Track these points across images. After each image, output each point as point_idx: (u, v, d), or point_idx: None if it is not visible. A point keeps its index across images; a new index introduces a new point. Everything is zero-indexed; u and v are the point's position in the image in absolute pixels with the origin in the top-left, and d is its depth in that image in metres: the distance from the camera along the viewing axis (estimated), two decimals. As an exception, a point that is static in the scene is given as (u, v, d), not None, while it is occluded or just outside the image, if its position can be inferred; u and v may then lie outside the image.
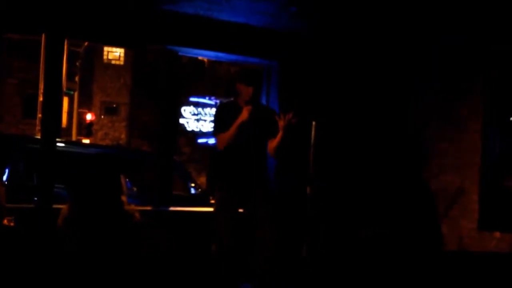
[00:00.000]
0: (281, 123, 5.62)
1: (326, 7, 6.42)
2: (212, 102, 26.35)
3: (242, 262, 5.89)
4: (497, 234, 7.39)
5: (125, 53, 29.37)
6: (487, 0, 6.42)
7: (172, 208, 6.64)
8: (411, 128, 7.83)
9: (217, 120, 5.96)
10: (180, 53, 6.85)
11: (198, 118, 26.70)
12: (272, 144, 5.77)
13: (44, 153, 5.94)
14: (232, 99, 6.04)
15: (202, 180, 22.18)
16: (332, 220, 7.24)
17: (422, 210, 7.66)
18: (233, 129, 5.64)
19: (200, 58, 21.68)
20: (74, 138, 24.75)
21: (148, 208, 6.42)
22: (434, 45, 7.59)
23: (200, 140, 26.62)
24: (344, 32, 7.26)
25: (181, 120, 25.98)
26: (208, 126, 25.97)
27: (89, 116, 27.27)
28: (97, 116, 29.14)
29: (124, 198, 3.83)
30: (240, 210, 5.88)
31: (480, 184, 7.47)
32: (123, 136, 29.41)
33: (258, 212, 5.75)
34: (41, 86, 16.20)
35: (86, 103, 28.56)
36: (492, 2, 6.45)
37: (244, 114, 5.62)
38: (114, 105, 29.71)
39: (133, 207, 3.92)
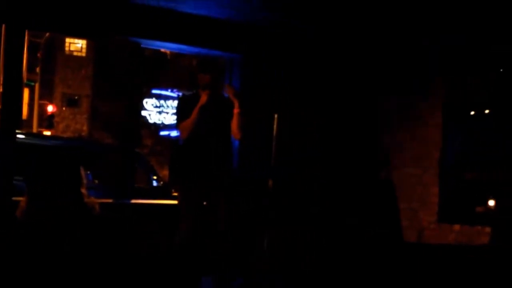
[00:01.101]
0: (230, 91, 5.76)
1: (287, 2, 6.44)
2: (175, 95, 26.27)
3: (204, 255, 5.89)
4: (457, 227, 7.49)
5: (87, 45, 29.12)
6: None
7: (133, 201, 6.62)
8: (372, 124, 7.89)
9: (179, 111, 5.97)
10: (142, 45, 6.82)
11: (160, 111, 26.60)
12: (233, 124, 5.82)
13: (3, 145, 5.88)
14: (194, 91, 6.06)
15: (164, 172, 22.09)
16: (292, 212, 7.27)
17: (382, 203, 7.73)
18: (193, 114, 5.69)
19: (162, 50, 21.59)
20: (35, 130, 24.51)
21: (110, 200, 6.38)
22: (397, 45, 7.65)
23: (162, 133, 26.53)
24: (307, 26, 7.27)
25: (143, 112, 25.87)
26: (170, 119, 25.89)
27: (50, 108, 27.01)
28: (59, 108, 28.87)
29: (84, 190, 3.80)
30: (204, 203, 5.88)
31: (439, 177, 7.57)
32: (84, 128, 29.18)
33: (218, 205, 5.76)
34: (1, 78, 16.03)
35: (47, 95, 28.29)
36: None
37: (203, 98, 5.70)
38: (76, 97, 29.45)
39: (93, 199, 3.89)
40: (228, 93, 5.88)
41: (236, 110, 5.77)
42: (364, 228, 7.45)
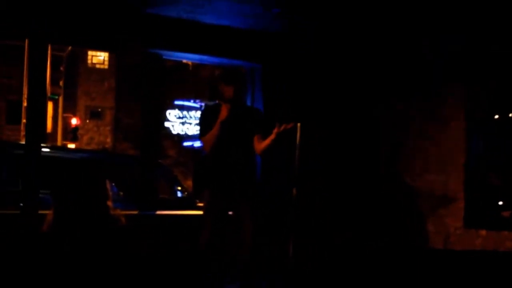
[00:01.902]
0: (275, 130, 5.60)
1: (308, 9, 6.44)
2: (197, 105, 26.33)
3: (229, 264, 5.89)
4: (483, 232, 7.43)
5: (109, 57, 29.32)
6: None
7: (158, 212, 6.63)
8: (393, 129, 7.86)
9: (202, 123, 5.95)
10: (164, 57, 6.85)
11: (183, 121, 26.65)
12: (261, 145, 5.75)
13: (29, 159, 5.92)
14: (217, 102, 6.05)
15: (188, 183, 22.17)
16: (318, 221, 7.26)
17: (406, 210, 7.69)
18: (214, 128, 5.66)
19: (184, 61, 21.66)
20: (59, 143, 24.68)
21: (135, 212, 6.40)
22: (418, 50, 7.63)
23: (186, 143, 26.58)
24: (328, 34, 7.28)
25: (166, 124, 25.94)
26: (193, 129, 25.93)
27: (74, 121, 27.18)
28: (82, 120, 29.06)
29: (110, 203, 3.82)
30: (230, 213, 5.88)
31: (465, 183, 7.51)
32: (108, 140, 29.35)
33: (243, 214, 5.76)
34: (25, 91, 16.14)
35: (71, 108, 28.49)
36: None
37: (224, 113, 5.63)
38: (99, 109, 29.65)
39: (119, 211, 3.91)
40: (277, 129, 5.60)
41: (270, 138, 5.64)
42: (388, 237, 7.42)
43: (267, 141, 5.66)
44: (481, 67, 7.38)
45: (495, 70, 7.41)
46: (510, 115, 8.03)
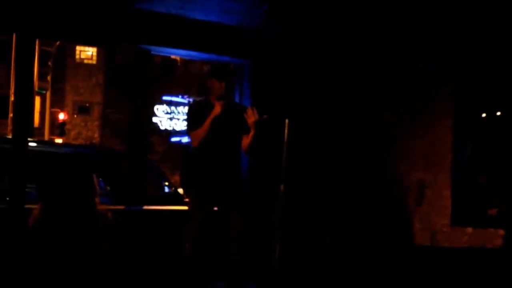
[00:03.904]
0: (251, 119, 5.61)
1: (298, 3, 6.44)
2: (185, 101, 26.31)
3: (215, 261, 5.89)
4: (469, 230, 7.48)
5: (98, 52, 29.24)
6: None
7: (145, 207, 6.63)
8: (381, 127, 7.88)
9: (190, 118, 5.94)
10: (152, 52, 6.84)
11: (171, 117, 26.64)
12: (246, 141, 5.76)
13: (15, 153, 5.90)
14: (204, 97, 6.03)
15: (176, 178, 22.15)
16: (305, 219, 7.27)
17: (393, 207, 7.72)
18: (206, 124, 5.64)
19: (172, 57, 21.63)
20: (46, 137, 24.58)
21: (122, 207, 6.39)
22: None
23: (174, 139, 26.57)
24: (316, 31, 7.28)
25: (154, 119, 25.92)
26: (181, 125, 25.93)
27: (61, 116, 27.08)
28: (70, 115, 28.97)
29: (97, 198, 3.82)
30: (215, 209, 5.87)
31: (452, 180, 7.55)
32: (96, 135, 29.28)
33: (229, 211, 5.75)
34: (13, 86, 16.07)
35: (58, 103, 28.39)
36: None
37: (217, 109, 5.62)
38: (87, 105, 29.57)
39: (105, 206, 3.90)
40: (249, 118, 5.63)
41: (251, 134, 5.66)
42: (375, 234, 7.45)
43: (250, 135, 5.67)
44: (470, 67, 7.43)
45: (484, 70, 7.45)
46: (498, 113, 8.08)
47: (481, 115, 8.04)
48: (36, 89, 19.64)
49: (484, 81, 7.67)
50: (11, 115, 17.84)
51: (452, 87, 7.54)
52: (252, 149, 5.78)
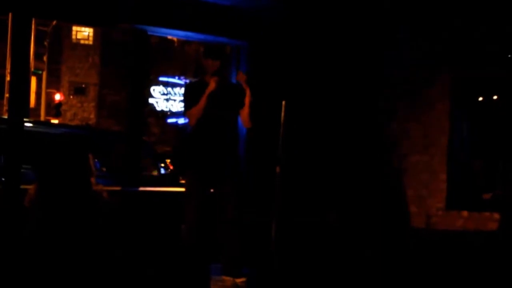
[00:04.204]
0: (242, 78, 5.75)
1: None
2: (182, 82, 26.28)
3: (212, 243, 5.89)
4: (465, 213, 7.49)
5: (94, 33, 29.16)
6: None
7: (141, 188, 6.62)
8: (380, 110, 7.87)
9: (186, 98, 5.95)
10: (149, 33, 6.80)
11: (167, 98, 26.62)
12: (244, 112, 5.80)
13: (11, 133, 5.88)
14: (201, 78, 6.04)
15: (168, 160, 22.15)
16: (301, 200, 7.27)
17: (390, 190, 7.73)
18: (202, 100, 5.67)
19: (169, 37, 21.56)
20: (42, 118, 24.56)
21: (117, 188, 6.39)
22: (403, 30, 7.64)
23: (170, 120, 26.55)
24: (316, 12, 7.25)
25: (151, 100, 25.91)
26: (177, 106, 25.91)
27: (57, 96, 27.05)
28: (66, 96, 28.93)
29: (93, 179, 3.81)
30: (211, 191, 5.88)
31: (448, 164, 7.56)
32: (92, 116, 29.26)
33: (225, 193, 5.76)
34: (9, 66, 16.03)
35: (54, 83, 28.34)
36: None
37: (212, 85, 5.68)
38: (83, 85, 29.53)
39: (101, 187, 3.90)
40: (239, 79, 5.83)
41: (247, 99, 5.75)
42: (370, 215, 7.45)
43: (246, 104, 5.74)
44: (467, 51, 7.41)
45: (481, 54, 7.44)
46: (494, 97, 8.07)
47: (477, 98, 8.04)
48: (32, 69, 19.57)
49: (481, 65, 7.66)
50: (7, 95, 17.80)
51: (450, 71, 7.53)
52: (251, 119, 5.83)
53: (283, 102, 6.36)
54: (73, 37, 29.49)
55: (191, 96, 5.84)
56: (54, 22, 24.56)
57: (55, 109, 26.25)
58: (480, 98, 8.16)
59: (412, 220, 7.60)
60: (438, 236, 7.34)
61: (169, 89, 26.53)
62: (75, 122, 27.76)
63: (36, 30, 21.02)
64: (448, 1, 6.97)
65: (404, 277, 6.33)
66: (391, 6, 7.09)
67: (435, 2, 7.01)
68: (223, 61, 5.84)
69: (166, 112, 26.66)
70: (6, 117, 6.90)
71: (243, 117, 5.84)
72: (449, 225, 7.50)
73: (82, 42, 29.60)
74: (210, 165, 5.77)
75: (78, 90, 29.46)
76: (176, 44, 28.30)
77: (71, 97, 29.33)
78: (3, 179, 5.93)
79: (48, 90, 26.74)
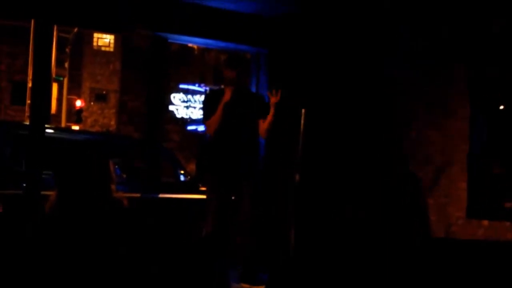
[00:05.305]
0: (272, 100, 5.73)
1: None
2: (202, 89, 26.34)
3: (232, 248, 5.90)
4: (485, 222, 7.43)
5: (115, 40, 29.29)
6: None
7: (161, 195, 6.65)
8: (399, 117, 7.83)
9: (206, 107, 5.99)
10: (169, 40, 6.85)
11: (187, 105, 26.68)
12: (264, 125, 5.84)
13: (33, 139, 5.93)
14: (221, 86, 6.08)
15: (192, 167, 22.19)
16: (320, 208, 7.26)
17: (410, 198, 7.68)
18: (218, 111, 5.72)
19: (189, 45, 21.63)
20: (63, 124, 24.68)
21: (137, 195, 6.41)
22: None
23: (190, 127, 26.61)
24: (334, 18, 7.24)
25: (171, 107, 25.98)
26: (197, 113, 25.96)
27: (78, 103, 27.17)
28: (87, 102, 29.06)
29: (113, 185, 3.82)
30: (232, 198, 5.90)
31: (468, 172, 7.50)
32: (112, 122, 29.37)
33: (245, 199, 5.78)
34: (30, 72, 16.13)
35: (75, 90, 28.49)
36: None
37: (227, 95, 5.71)
38: (104, 92, 29.66)
39: (121, 194, 3.91)
40: (270, 99, 5.85)
41: (270, 117, 5.80)
42: (391, 222, 7.42)
43: (269, 117, 5.77)
44: (487, 56, 7.35)
45: (501, 58, 7.37)
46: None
47: (498, 105, 7.98)
48: (53, 75, 19.71)
49: (501, 69, 7.59)
50: (28, 101, 17.92)
51: (470, 75, 7.47)
52: (270, 132, 5.86)
53: (303, 110, 6.36)
54: (94, 44, 29.64)
55: (209, 106, 5.89)
56: (76, 29, 24.71)
57: (76, 115, 26.37)
58: (502, 107, 8.10)
59: (431, 229, 7.56)
60: (457, 245, 7.29)
61: (189, 96, 26.59)
62: (96, 129, 27.88)
63: (58, 37, 21.15)
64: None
65: None
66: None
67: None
68: (239, 72, 5.87)
69: (186, 119, 26.73)
70: (27, 123, 6.95)
71: (261, 129, 5.88)
72: (469, 234, 7.44)
73: (103, 49, 29.74)
74: (228, 171, 5.79)
75: (99, 97, 29.59)
76: (196, 52, 28.38)
77: (92, 103, 29.47)
78: (24, 184, 5.97)
79: (69, 97, 26.88)
